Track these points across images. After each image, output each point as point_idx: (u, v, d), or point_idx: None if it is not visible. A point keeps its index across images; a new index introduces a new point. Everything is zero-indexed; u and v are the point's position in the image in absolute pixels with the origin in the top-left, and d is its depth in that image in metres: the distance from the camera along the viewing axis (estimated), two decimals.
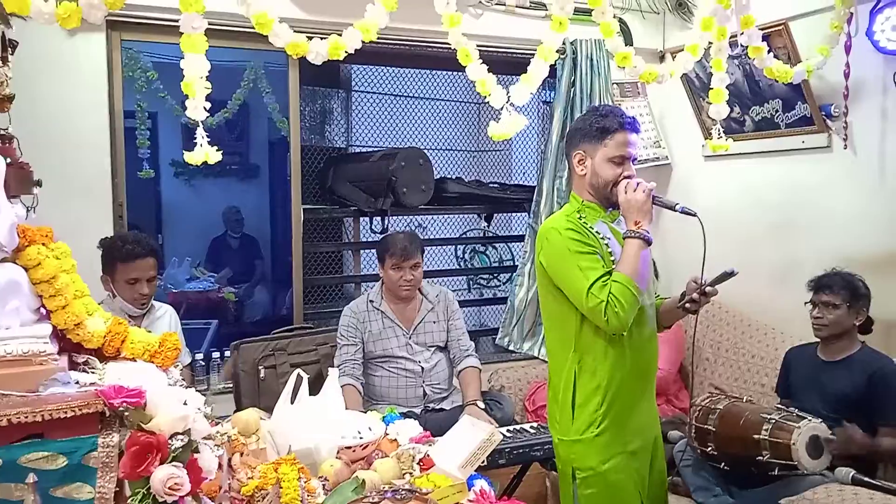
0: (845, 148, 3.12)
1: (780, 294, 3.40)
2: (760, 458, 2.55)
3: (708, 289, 2.09)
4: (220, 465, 1.45)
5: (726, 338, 3.50)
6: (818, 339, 2.85)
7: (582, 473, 2.09)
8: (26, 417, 1.20)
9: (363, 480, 1.46)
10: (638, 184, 2.08)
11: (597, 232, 2.12)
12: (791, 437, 2.48)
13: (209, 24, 2.18)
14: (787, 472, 2.51)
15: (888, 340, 2.93)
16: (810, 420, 2.53)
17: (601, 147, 2.12)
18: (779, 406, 2.73)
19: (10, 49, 2.39)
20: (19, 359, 1.29)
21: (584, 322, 2.09)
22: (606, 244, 2.11)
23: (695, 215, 2.09)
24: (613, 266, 2.05)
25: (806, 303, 2.83)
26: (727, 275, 2.10)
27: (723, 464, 2.71)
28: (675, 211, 2.11)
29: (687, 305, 2.12)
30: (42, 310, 1.42)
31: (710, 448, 2.72)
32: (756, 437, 2.56)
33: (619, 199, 2.09)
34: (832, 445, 2.50)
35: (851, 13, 2.97)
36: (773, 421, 2.56)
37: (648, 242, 2.05)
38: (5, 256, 1.36)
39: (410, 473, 1.78)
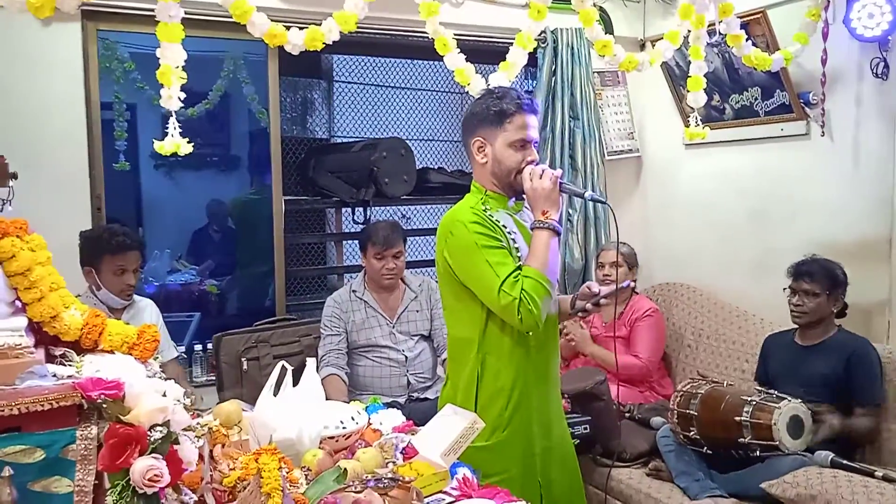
0: (823, 135, 3.15)
1: (759, 281, 3.43)
2: (742, 439, 2.58)
3: (603, 301, 2.01)
4: (201, 457, 1.44)
5: (707, 325, 3.53)
6: (796, 326, 2.88)
7: (492, 479, 1.90)
8: (2, 411, 1.18)
9: (345, 469, 1.46)
10: (543, 171, 1.96)
11: (503, 225, 2.01)
12: (772, 417, 2.52)
13: (186, 13, 2.17)
14: (768, 452, 2.55)
15: (865, 326, 2.97)
16: (790, 401, 2.56)
17: (501, 132, 1.99)
18: (758, 389, 2.76)
19: None
20: None
21: (490, 320, 1.99)
22: (513, 239, 2.01)
23: (605, 203, 2.05)
24: (520, 261, 1.96)
25: (784, 289, 2.86)
26: (623, 289, 2.05)
27: (705, 448, 2.74)
28: (585, 199, 2.02)
29: (580, 314, 2.06)
30: (17, 302, 1.41)
31: (692, 432, 2.75)
32: (737, 419, 2.59)
33: (524, 188, 1.98)
34: (816, 434, 2.55)
35: (829, 1, 2.99)
36: (754, 403, 2.60)
37: (557, 233, 1.95)
38: None
39: (394, 462, 1.78)
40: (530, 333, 1.97)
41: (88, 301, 2.64)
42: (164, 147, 2.08)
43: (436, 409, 1.99)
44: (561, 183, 1.96)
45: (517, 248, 1.99)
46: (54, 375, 1.31)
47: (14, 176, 2.36)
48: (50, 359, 1.40)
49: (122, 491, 1.18)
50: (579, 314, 2.07)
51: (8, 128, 2.86)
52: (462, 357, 2.06)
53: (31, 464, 1.19)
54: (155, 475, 1.18)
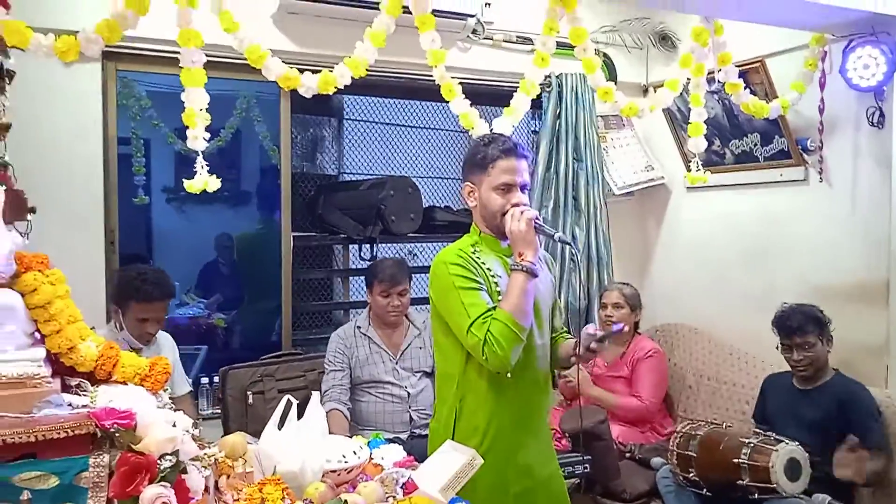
0: (821, 181, 3.22)
1: (760, 322, 3.43)
2: (740, 481, 2.60)
3: (594, 345, 2.01)
4: (206, 488, 1.48)
5: (708, 366, 3.56)
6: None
7: None
8: (20, 438, 1.23)
9: (346, 501, 1.50)
10: (522, 213, 1.99)
11: (488, 269, 2.05)
12: (769, 459, 2.55)
13: (205, 56, 2.26)
14: (766, 495, 2.57)
15: (862, 370, 2.99)
16: (787, 443, 2.59)
17: (486, 176, 2.05)
18: (756, 430, 2.79)
19: (7, 79, 2.46)
20: (14, 381, 1.33)
21: (470, 360, 2.03)
22: (496, 282, 2.04)
23: (570, 244, 2.09)
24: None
25: (777, 347, 2.88)
26: (616, 332, 2.07)
27: (704, 489, 2.76)
28: (554, 240, 2.06)
29: (581, 355, 2.06)
30: (37, 334, 1.46)
31: (691, 474, 2.78)
32: (735, 460, 2.61)
33: (506, 231, 2.02)
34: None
35: (826, 51, 3.08)
36: (752, 445, 2.62)
37: (534, 275, 1.97)
38: (2, 282, 1.41)
39: (394, 497, 1.81)
40: (509, 374, 2.00)
41: (112, 335, 2.67)
42: (194, 185, 2.16)
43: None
44: (536, 224, 2.00)
45: (499, 292, 2.03)
46: (69, 405, 1.36)
47: (33, 210, 2.45)
48: (66, 388, 1.46)
49: None
50: (581, 355, 2.07)
51: (27, 162, 2.92)
52: (445, 392, 2.13)
53: (45, 490, 1.24)
54: (163, 503, 1.23)
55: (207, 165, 2.16)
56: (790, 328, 2.81)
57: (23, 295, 1.42)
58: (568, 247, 3.66)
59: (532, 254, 1.98)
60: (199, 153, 2.16)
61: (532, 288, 1.98)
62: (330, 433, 2.37)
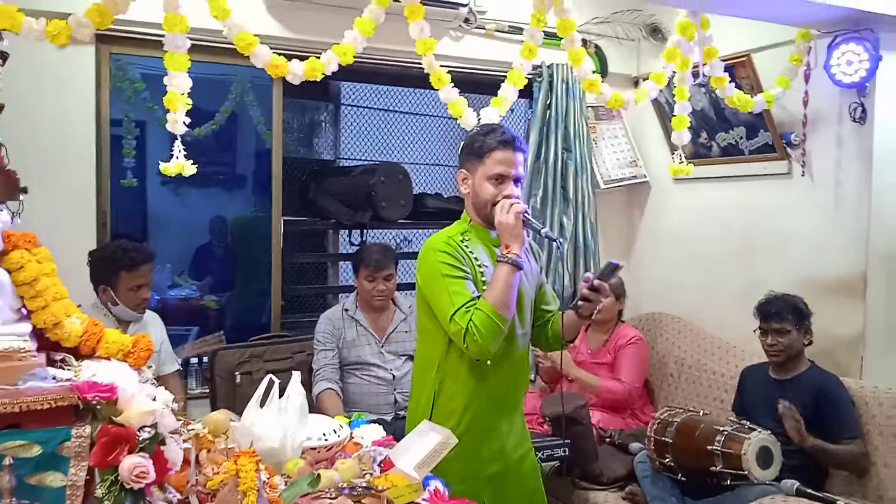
0: (803, 175, 3.27)
1: (742, 313, 3.48)
2: (714, 468, 2.67)
3: (596, 282, 2.04)
4: (187, 461, 1.54)
5: (689, 355, 3.62)
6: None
7: None
8: (5, 408, 1.28)
9: (318, 475, 1.56)
10: (511, 205, 2.02)
11: (475, 258, 2.09)
12: (742, 447, 2.61)
13: (195, 40, 2.29)
14: (738, 481, 2.63)
15: (837, 361, 3.06)
16: (760, 432, 2.65)
17: (480, 165, 2.09)
18: (731, 419, 2.85)
19: (1, 60, 2.50)
20: (1, 354, 1.38)
21: (451, 345, 2.09)
22: (482, 271, 2.08)
23: (555, 240, 2.10)
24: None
25: (755, 330, 2.95)
26: (613, 266, 2.07)
27: (679, 475, 2.83)
28: (540, 235, 2.09)
29: (580, 304, 2.07)
30: (23, 310, 1.51)
31: (667, 459, 2.84)
32: (709, 448, 2.68)
33: (494, 222, 2.05)
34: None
35: (811, 47, 3.12)
36: (726, 433, 2.68)
37: (518, 267, 2.00)
38: None
39: (371, 473, 1.87)
40: (489, 362, 2.06)
41: (98, 316, 2.72)
42: (169, 168, 2.20)
43: None
44: (524, 217, 2.03)
45: (485, 281, 2.07)
46: (54, 378, 1.41)
47: (24, 190, 2.48)
48: (51, 363, 1.51)
49: (111, 486, 1.28)
50: (580, 304, 2.08)
51: (21, 144, 2.95)
52: (424, 375, 2.18)
53: (28, 458, 1.29)
54: (141, 472, 1.28)
55: (186, 149, 2.19)
56: (769, 313, 2.89)
57: (10, 272, 1.47)
58: (556, 234, 3.71)
59: (518, 247, 2.02)
60: (178, 137, 2.19)
61: (516, 280, 2.02)
62: (325, 412, 2.43)
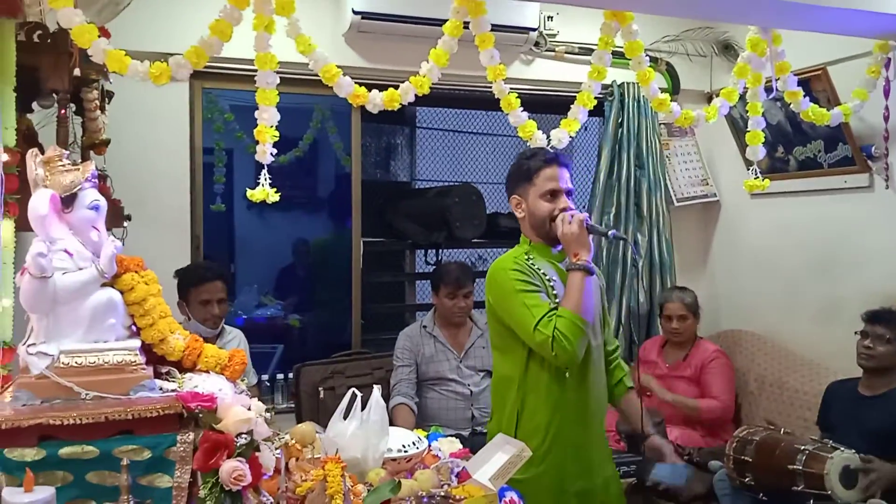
0: (887, 188, 3.19)
1: (823, 330, 3.45)
2: (795, 487, 2.62)
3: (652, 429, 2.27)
4: (277, 469, 1.66)
5: (770, 372, 3.56)
6: (860, 374, 2.89)
7: None
8: (119, 416, 1.43)
9: (399, 482, 1.65)
10: (572, 216, 2.09)
11: (543, 273, 2.14)
12: (824, 467, 2.55)
13: (281, 74, 2.44)
14: (821, 502, 2.58)
15: None
16: (843, 451, 2.59)
17: (531, 186, 2.17)
18: (814, 438, 2.80)
19: (107, 99, 2.73)
20: (115, 367, 1.53)
21: (531, 360, 2.13)
22: (552, 285, 2.14)
23: (626, 240, 2.18)
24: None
25: (856, 332, 2.89)
26: (659, 421, 2.29)
27: (760, 494, 2.79)
28: (608, 238, 2.15)
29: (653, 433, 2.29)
30: (133, 327, 1.67)
31: (747, 478, 2.80)
32: (790, 467, 2.63)
33: (557, 234, 2.12)
34: (866, 481, 2.55)
35: (889, 58, 3.06)
36: (807, 451, 2.63)
37: (590, 272, 2.07)
38: (105, 282, 1.62)
39: (448, 484, 1.95)
40: (567, 373, 2.11)
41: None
42: (255, 195, 2.35)
43: None
44: (588, 224, 2.10)
45: (556, 295, 2.13)
46: (161, 389, 1.56)
47: (128, 217, 2.70)
48: (158, 375, 1.66)
49: (213, 487, 1.41)
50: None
51: (122, 174, 3.21)
52: (505, 394, 2.22)
53: (140, 461, 1.44)
54: (239, 475, 1.41)
55: (271, 177, 2.32)
56: (876, 316, 2.84)
57: (122, 293, 1.63)
58: (630, 250, 3.73)
59: (586, 253, 2.09)
60: (266, 166, 2.33)
61: (590, 285, 2.08)
62: (396, 426, 2.52)
